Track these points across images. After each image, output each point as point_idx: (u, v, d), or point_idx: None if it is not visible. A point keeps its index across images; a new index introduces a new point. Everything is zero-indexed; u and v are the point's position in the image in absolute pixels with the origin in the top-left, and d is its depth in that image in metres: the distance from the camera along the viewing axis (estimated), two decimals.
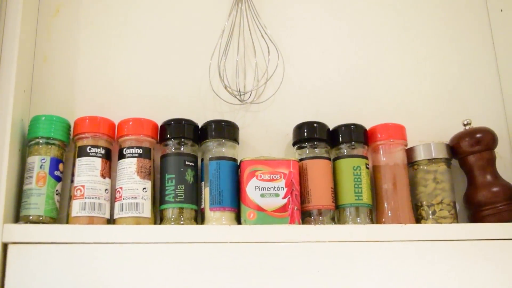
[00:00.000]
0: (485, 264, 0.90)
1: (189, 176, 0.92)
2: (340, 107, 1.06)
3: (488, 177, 0.97)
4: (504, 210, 0.94)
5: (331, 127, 0.99)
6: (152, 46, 1.06)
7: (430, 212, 0.96)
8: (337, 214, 0.96)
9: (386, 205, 0.96)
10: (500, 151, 1.03)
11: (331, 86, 1.08)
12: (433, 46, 1.12)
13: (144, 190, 0.91)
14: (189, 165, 0.93)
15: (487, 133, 0.98)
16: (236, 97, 1.02)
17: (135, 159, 0.92)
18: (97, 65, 1.04)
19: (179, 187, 0.91)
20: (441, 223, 0.94)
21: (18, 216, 0.88)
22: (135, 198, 0.90)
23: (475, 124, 0.99)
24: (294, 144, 0.99)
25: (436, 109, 1.08)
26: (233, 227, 0.88)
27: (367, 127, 1.00)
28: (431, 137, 1.02)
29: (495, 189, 0.96)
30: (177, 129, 0.94)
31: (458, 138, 0.99)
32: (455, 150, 0.99)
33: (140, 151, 0.92)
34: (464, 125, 1.00)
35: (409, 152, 0.99)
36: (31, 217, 0.87)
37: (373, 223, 0.95)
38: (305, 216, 0.94)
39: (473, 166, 0.97)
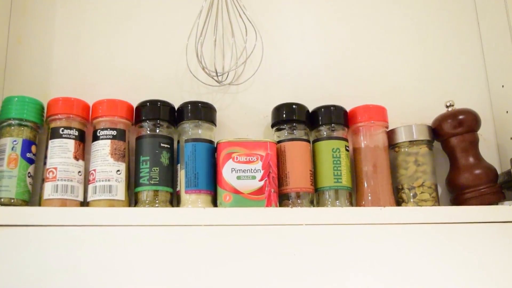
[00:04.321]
0: (467, 247, 0.88)
1: (164, 158, 0.90)
2: (321, 89, 1.04)
3: (471, 160, 0.95)
4: (486, 192, 0.92)
5: (311, 109, 0.97)
6: (128, 27, 1.04)
7: (411, 195, 0.94)
8: (316, 197, 0.94)
9: (366, 188, 0.94)
10: (483, 133, 1.01)
11: (311, 67, 1.06)
12: (416, 27, 1.10)
13: (118, 173, 0.89)
14: (164, 147, 0.91)
15: (469, 114, 0.96)
16: (213, 78, 1.00)
17: (109, 141, 0.90)
18: (73, 46, 1.02)
19: (154, 169, 0.89)
20: (422, 206, 0.92)
21: None
22: (109, 180, 0.88)
23: (459, 106, 0.97)
24: (272, 126, 0.97)
25: (420, 91, 1.06)
26: (208, 210, 0.86)
27: (348, 109, 0.98)
28: (414, 120, 0.99)
29: (477, 171, 0.94)
30: (153, 111, 0.92)
31: (440, 119, 0.97)
32: (437, 132, 0.97)
33: (114, 132, 0.90)
34: (447, 106, 0.98)
35: (390, 134, 0.97)
36: (2, 200, 0.85)
37: (352, 206, 0.94)
38: (283, 199, 0.92)
39: (456, 148, 0.95)
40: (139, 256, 0.83)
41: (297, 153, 0.93)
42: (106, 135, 0.90)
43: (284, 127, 0.95)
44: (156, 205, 0.89)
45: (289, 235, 0.86)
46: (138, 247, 0.84)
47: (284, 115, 0.95)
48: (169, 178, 0.91)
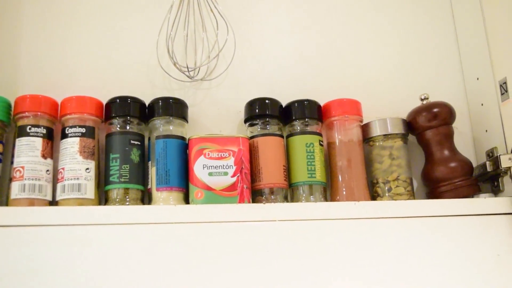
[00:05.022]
0: (442, 240, 0.87)
1: (135, 156, 0.89)
2: (294, 83, 1.03)
3: (446, 153, 0.94)
4: (461, 186, 0.92)
5: (285, 104, 0.96)
6: (97, 22, 1.02)
7: (386, 189, 0.93)
8: (290, 193, 0.93)
9: (340, 183, 0.93)
10: (459, 126, 1.00)
11: (285, 62, 1.04)
12: (391, 20, 1.09)
13: (87, 171, 0.87)
14: (134, 144, 0.89)
15: (444, 107, 0.95)
16: (185, 74, 0.98)
17: (78, 138, 0.88)
18: (41, 42, 1.00)
19: (124, 167, 0.88)
20: (397, 200, 0.91)
21: None
22: (78, 179, 0.86)
23: (434, 99, 0.97)
24: (245, 121, 0.95)
25: (395, 84, 1.05)
26: (179, 207, 0.84)
27: (323, 104, 0.97)
28: (390, 113, 0.98)
29: (452, 164, 0.93)
30: (122, 107, 0.91)
31: (415, 113, 0.96)
32: (412, 125, 0.96)
33: (83, 130, 0.89)
34: (422, 99, 0.97)
35: (365, 128, 0.96)
36: None
37: (327, 201, 0.93)
38: (257, 195, 0.91)
39: (430, 141, 0.95)
40: (109, 255, 0.81)
41: (270, 149, 0.92)
42: (75, 132, 0.88)
43: (257, 122, 0.94)
44: (127, 203, 0.87)
45: (262, 231, 0.85)
46: (108, 247, 0.82)
47: (257, 110, 0.94)
48: (140, 176, 0.89)
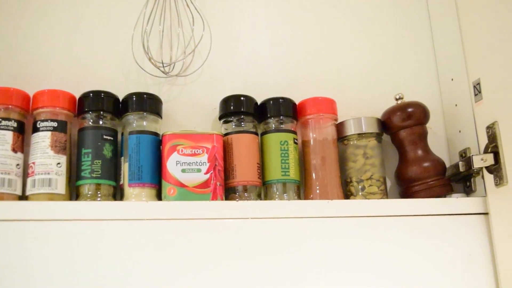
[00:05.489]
0: (415, 239, 0.88)
1: (107, 151, 0.88)
2: (270, 81, 1.02)
3: (419, 152, 0.94)
4: (434, 185, 0.92)
5: (260, 101, 0.96)
6: (72, 15, 1.01)
7: (359, 188, 0.93)
8: (264, 191, 0.92)
9: (314, 181, 0.93)
10: (433, 126, 1.00)
11: (261, 59, 1.04)
12: (367, 20, 1.09)
13: (59, 166, 0.86)
14: (107, 139, 0.88)
15: (418, 107, 0.95)
16: (160, 69, 0.97)
17: (49, 132, 0.87)
18: (13, 34, 0.98)
19: (96, 162, 0.87)
20: (370, 199, 0.92)
21: None
22: (48, 173, 0.85)
23: (409, 99, 0.97)
24: (220, 118, 0.95)
25: (370, 84, 1.05)
26: (151, 203, 0.84)
27: (298, 102, 0.96)
28: (365, 113, 0.98)
29: (426, 164, 0.93)
30: (96, 102, 0.90)
31: (390, 112, 0.96)
32: (387, 125, 0.96)
33: (55, 124, 0.87)
34: (396, 99, 0.97)
35: (340, 127, 0.96)
36: None
37: (301, 199, 0.93)
38: (230, 193, 0.90)
39: (404, 141, 0.95)
40: (80, 251, 0.81)
41: (244, 146, 0.91)
42: (47, 126, 0.87)
43: (231, 119, 0.94)
44: (98, 199, 0.86)
45: (235, 229, 0.84)
46: (79, 242, 0.81)
47: (232, 107, 0.94)
48: (112, 171, 0.88)
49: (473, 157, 0.89)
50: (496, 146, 0.86)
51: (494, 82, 0.89)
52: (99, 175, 0.86)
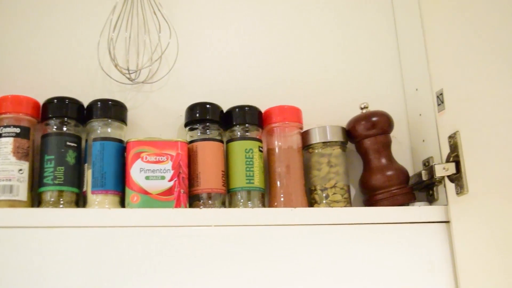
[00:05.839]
0: (378, 247, 0.88)
1: (70, 158, 0.87)
2: (237, 89, 1.03)
3: (383, 161, 0.95)
4: (397, 194, 0.93)
5: (226, 109, 0.96)
6: (38, 20, 1.00)
7: (323, 196, 0.94)
8: (228, 198, 0.93)
9: (278, 189, 0.93)
10: (397, 135, 1.02)
11: (228, 67, 1.04)
12: (333, 29, 1.10)
13: (20, 172, 0.85)
14: (70, 146, 0.88)
15: (382, 116, 0.96)
16: (126, 76, 0.97)
17: (12, 138, 0.86)
18: None
19: (59, 168, 0.86)
20: (334, 207, 0.92)
21: None
22: (10, 180, 0.84)
23: (374, 109, 0.98)
24: (185, 126, 0.95)
25: (336, 93, 1.06)
26: (113, 210, 0.84)
27: (264, 110, 0.97)
28: (331, 122, 0.99)
29: (389, 173, 0.94)
30: (60, 108, 0.89)
31: (354, 121, 0.97)
32: (351, 133, 0.97)
33: (18, 130, 0.87)
34: (361, 108, 0.98)
35: (305, 135, 0.97)
36: None
37: (265, 207, 0.93)
38: (194, 200, 0.90)
39: (368, 149, 0.96)
40: (41, 260, 0.80)
41: (209, 153, 0.91)
42: (9, 132, 0.86)
43: (197, 126, 0.94)
44: (61, 205, 0.85)
45: (198, 236, 0.84)
46: (40, 250, 0.80)
47: (197, 115, 0.94)
48: (75, 178, 0.88)
49: (435, 166, 0.90)
50: (457, 156, 0.87)
51: (456, 92, 0.91)
52: (62, 182, 0.86)
